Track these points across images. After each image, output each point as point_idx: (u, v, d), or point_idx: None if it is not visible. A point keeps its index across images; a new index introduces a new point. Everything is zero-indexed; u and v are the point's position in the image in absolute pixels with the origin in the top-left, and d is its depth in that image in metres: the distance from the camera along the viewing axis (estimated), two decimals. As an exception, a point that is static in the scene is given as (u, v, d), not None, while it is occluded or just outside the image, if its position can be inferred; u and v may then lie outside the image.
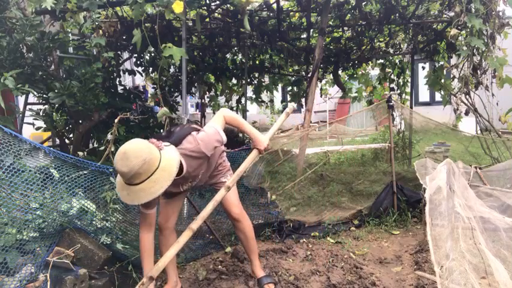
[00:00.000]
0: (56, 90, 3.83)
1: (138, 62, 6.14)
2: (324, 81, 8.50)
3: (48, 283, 2.47)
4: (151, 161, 2.10)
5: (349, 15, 5.70)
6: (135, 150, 2.09)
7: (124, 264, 3.03)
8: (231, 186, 2.48)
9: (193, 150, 2.38)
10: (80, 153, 3.59)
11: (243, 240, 2.91)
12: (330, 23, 6.06)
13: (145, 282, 2.14)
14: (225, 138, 2.55)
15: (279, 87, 9.62)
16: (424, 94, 13.23)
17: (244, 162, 2.55)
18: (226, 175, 2.82)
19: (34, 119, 4.56)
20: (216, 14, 5.55)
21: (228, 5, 5.04)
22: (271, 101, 8.83)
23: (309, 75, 5.22)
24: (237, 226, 2.88)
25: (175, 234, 2.81)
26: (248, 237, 2.88)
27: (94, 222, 2.91)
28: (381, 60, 7.15)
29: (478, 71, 4.44)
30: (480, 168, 3.95)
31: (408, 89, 6.91)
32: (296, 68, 8.02)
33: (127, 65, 7.53)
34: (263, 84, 7.96)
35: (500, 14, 4.29)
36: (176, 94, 7.13)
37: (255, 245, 2.96)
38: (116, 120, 3.12)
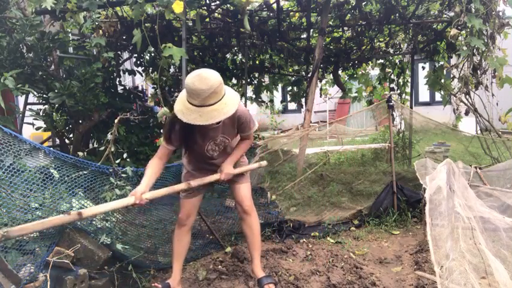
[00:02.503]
0: (56, 90, 3.83)
1: (138, 62, 6.13)
2: (324, 81, 8.50)
3: (48, 283, 2.47)
4: (223, 85, 2.34)
5: (349, 15, 5.69)
6: (211, 73, 2.30)
7: (124, 264, 3.02)
8: (195, 185, 2.68)
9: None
10: (80, 153, 3.59)
11: (249, 236, 2.92)
12: (330, 23, 6.05)
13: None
14: (250, 132, 2.78)
15: (279, 87, 9.62)
16: (424, 94, 13.23)
17: (203, 179, 2.72)
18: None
19: (34, 119, 4.56)
20: (216, 14, 5.55)
21: (228, 5, 5.04)
22: (271, 101, 8.82)
23: (309, 75, 5.22)
24: (246, 220, 2.91)
25: (190, 235, 2.94)
26: (255, 233, 2.92)
27: (94, 222, 2.91)
28: (381, 60, 7.15)
29: (478, 71, 4.44)
30: (480, 168, 3.95)
31: (408, 89, 6.91)
32: (296, 68, 8.02)
33: (127, 65, 7.53)
34: (263, 84, 7.95)
35: (500, 14, 4.29)
36: (176, 94, 7.10)
37: (260, 243, 2.98)
38: (116, 120, 3.12)
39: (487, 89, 4.57)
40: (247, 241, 2.98)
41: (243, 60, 7.13)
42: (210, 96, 2.26)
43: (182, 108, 2.34)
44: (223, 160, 2.81)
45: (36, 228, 2.08)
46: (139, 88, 8.64)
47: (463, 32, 4.49)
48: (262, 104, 8.25)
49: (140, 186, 2.42)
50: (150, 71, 6.46)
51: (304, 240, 3.87)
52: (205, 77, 2.25)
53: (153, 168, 2.55)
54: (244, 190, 2.91)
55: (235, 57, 7.59)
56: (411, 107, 6.18)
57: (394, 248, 3.73)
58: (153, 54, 5.84)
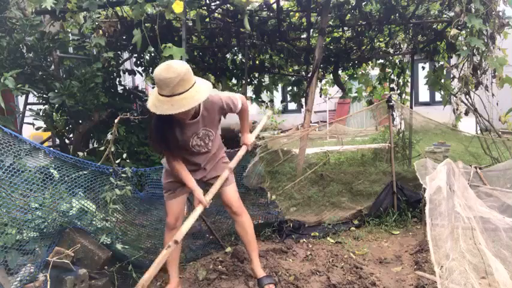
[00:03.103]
0: (56, 90, 3.83)
1: (138, 62, 6.13)
2: (324, 81, 8.49)
3: (48, 283, 2.47)
4: (191, 73, 2.34)
5: (349, 15, 5.69)
6: (178, 62, 2.37)
7: (124, 264, 3.03)
8: (232, 167, 2.83)
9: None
10: (80, 154, 3.59)
11: (243, 236, 2.93)
12: (330, 23, 6.05)
13: (171, 246, 2.47)
14: (238, 106, 2.76)
15: (279, 87, 9.61)
16: (424, 94, 13.22)
17: (236, 157, 2.87)
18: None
19: (34, 119, 4.56)
20: (216, 14, 5.54)
21: (228, 5, 5.04)
22: (271, 101, 8.80)
23: (309, 75, 5.22)
24: (238, 220, 2.92)
25: None
26: (248, 232, 2.92)
27: (94, 222, 2.91)
28: (381, 60, 7.15)
29: (478, 71, 4.43)
30: (480, 168, 3.95)
31: (408, 89, 6.91)
32: (296, 68, 8.01)
33: (127, 65, 7.53)
34: (263, 84, 7.95)
35: (500, 14, 4.28)
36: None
37: (255, 242, 2.98)
38: (116, 120, 3.12)
39: (487, 89, 4.57)
40: (243, 241, 2.99)
41: (243, 60, 7.13)
42: (179, 84, 2.25)
43: (154, 101, 2.33)
44: (208, 159, 2.81)
45: (154, 272, 2.48)
46: (140, 88, 8.63)
47: (463, 32, 4.49)
48: (262, 104, 8.24)
49: (198, 191, 2.63)
50: (150, 71, 6.45)
51: (304, 240, 3.87)
52: (172, 66, 2.27)
53: (184, 169, 2.64)
54: (230, 192, 2.89)
55: (235, 57, 7.58)
56: (411, 107, 6.18)
57: (394, 248, 3.73)
58: (153, 54, 5.84)
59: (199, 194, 2.62)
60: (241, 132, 3.06)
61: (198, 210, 2.63)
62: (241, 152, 2.92)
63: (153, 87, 8.23)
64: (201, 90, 2.36)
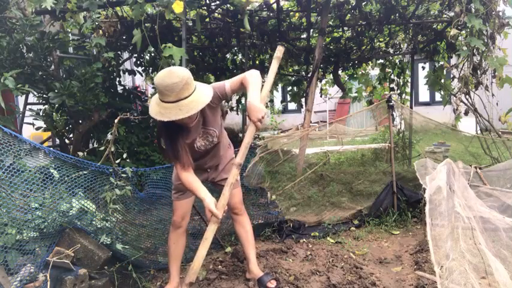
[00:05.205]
0: (56, 90, 3.83)
1: (138, 62, 6.13)
2: (324, 81, 8.49)
3: (48, 283, 2.47)
4: (192, 78, 2.34)
5: (349, 15, 5.69)
6: (177, 67, 2.35)
7: (124, 264, 3.03)
8: (242, 162, 2.53)
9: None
10: (80, 153, 3.59)
11: (243, 235, 2.94)
12: (330, 23, 6.05)
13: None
14: (226, 86, 2.53)
15: (279, 87, 9.61)
16: (424, 94, 13.22)
17: (242, 147, 2.48)
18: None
19: (34, 119, 4.56)
20: (216, 14, 5.54)
21: (228, 5, 5.04)
22: (271, 101, 8.81)
23: (309, 75, 5.22)
24: (238, 220, 2.94)
25: (186, 235, 2.95)
26: (248, 231, 2.95)
27: (94, 222, 2.90)
28: (381, 60, 7.15)
29: (478, 71, 4.43)
30: (480, 168, 3.95)
31: (408, 89, 6.91)
32: (296, 68, 8.02)
33: (127, 65, 7.53)
34: (263, 84, 7.94)
35: (500, 14, 4.29)
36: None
37: (254, 241, 3.00)
38: (116, 120, 3.12)
39: (487, 89, 4.57)
40: (241, 241, 2.99)
41: (243, 60, 7.13)
42: (183, 88, 2.24)
43: (159, 109, 2.29)
44: (216, 158, 2.80)
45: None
46: (140, 88, 8.64)
47: (463, 32, 4.49)
48: (262, 104, 8.22)
49: (210, 202, 2.45)
50: (150, 71, 6.46)
51: (304, 240, 3.87)
52: (175, 71, 2.26)
53: (196, 180, 2.54)
54: (237, 196, 2.91)
55: (235, 57, 7.59)
56: (411, 107, 6.18)
57: (394, 248, 3.73)
58: (153, 54, 5.84)
59: (212, 205, 2.44)
60: (247, 102, 2.53)
61: (213, 228, 2.50)
62: (249, 134, 2.47)
63: (153, 87, 8.27)
64: (204, 93, 2.36)
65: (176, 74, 2.24)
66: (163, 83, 2.23)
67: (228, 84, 2.56)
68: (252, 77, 2.53)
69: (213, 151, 2.77)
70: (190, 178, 2.53)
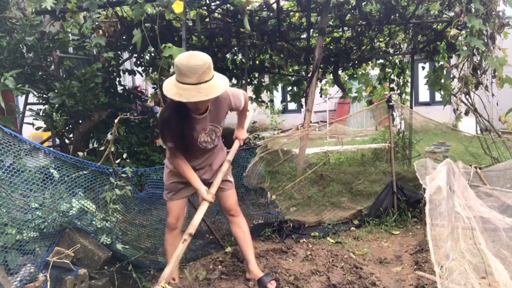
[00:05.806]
0: (56, 90, 3.83)
1: (138, 62, 6.13)
2: (324, 81, 8.49)
3: (48, 283, 2.47)
4: (212, 64, 2.37)
5: (349, 15, 5.69)
6: (200, 52, 2.35)
7: (124, 264, 3.03)
8: (231, 159, 2.87)
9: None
10: (80, 153, 3.59)
11: (241, 236, 2.94)
12: (330, 23, 6.05)
13: (187, 239, 2.51)
14: (242, 105, 2.80)
15: (279, 87, 9.62)
16: (424, 94, 13.23)
17: (232, 150, 2.97)
18: (230, 174, 2.99)
19: (34, 119, 4.55)
20: (216, 14, 5.54)
21: (228, 5, 5.04)
22: (271, 101, 8.80)
23: (309, 75, 5.22)
24: (235, 221, 2.95)
25: (181, 236, 2.87)
26: (245, 231, 2.96)
27: (94, 222, 2.91)
28: (381, 60, 7.15)
29: (478, 71, 4.43)
30: (480, 168, 3.95)
31: (408, 89, 6.91)
32: (296, 68, 8.02)
33: (127, 65, 7.52)
34: (263, 84, 7.95)
35: (500, 14, 4.29)
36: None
37: (251, 241, 3.01)
38: (116, 120, 3.12)
39: (487, 89, 4.57)
40: (239, 242, 2.99)
41: (243, 60, 7.13)
42: (205, 72, 2.28)
43: (177, 90, 2.30)
44: (214, 157, 2.83)
45: (175, 265, 2.55)
46: (140, 88, 8.64)
47: (463, 32, 4.49)
48: (262, 104, 8.24)
49: (202, 187, 2.66)
50: (150, 71, 6.46)
51: (304, 240, 3.86)
52: (198, 54, 2.31)
53: (189, 167, 2.65)
54: (232, 197, 2.95)
55: (235, 57, 7.59)
56: (411, 107, 6.18)
57: (394, 248, 3.73)
58: (153, 54, 5.84)
59: (204, 193, 2.65)
60: (237, 127, 3.10)
61: (204, 206, 2.66)
62: (236, 145, 3.01)
63: (153, 87, 8.28)
64: (222, 80, 2.43)
65: (200, 57, 2.29)
66: (188, 64, 2.26)
67: (243, 104, 2.80)
68: (250, 111, 3.16)
69: (210, 151, 2.79)
70: (185, 165, 2.64)
